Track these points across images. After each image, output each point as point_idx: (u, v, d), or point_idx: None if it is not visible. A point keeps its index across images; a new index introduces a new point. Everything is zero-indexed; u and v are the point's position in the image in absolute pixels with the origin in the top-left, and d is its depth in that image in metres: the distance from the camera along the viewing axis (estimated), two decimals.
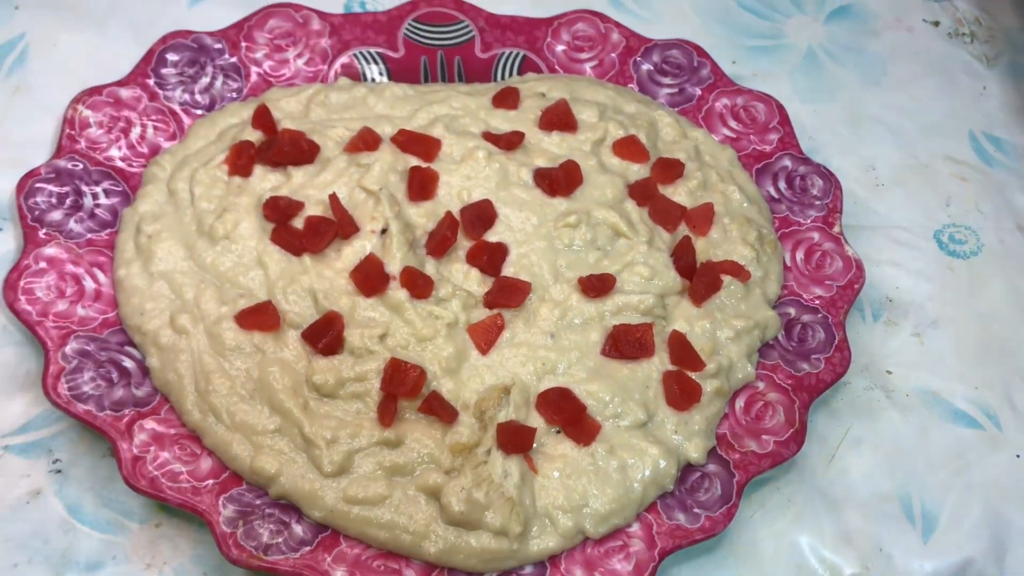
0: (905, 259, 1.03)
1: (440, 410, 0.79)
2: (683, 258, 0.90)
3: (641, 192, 0.94)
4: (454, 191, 0.91)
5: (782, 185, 1.00)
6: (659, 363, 0.85)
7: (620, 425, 0.82)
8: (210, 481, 0.78)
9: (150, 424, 0.80)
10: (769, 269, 0.93)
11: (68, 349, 0.81)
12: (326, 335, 0.81)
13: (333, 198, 0.87)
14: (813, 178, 1.00)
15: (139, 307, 0.84)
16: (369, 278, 0.84)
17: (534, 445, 0.80)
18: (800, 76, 1.15)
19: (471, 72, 1.04)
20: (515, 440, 0.78)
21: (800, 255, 0.96)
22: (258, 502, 0.78)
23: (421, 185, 0.90)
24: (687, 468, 0.83)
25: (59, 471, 0.81)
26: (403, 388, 0.80)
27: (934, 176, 1.09)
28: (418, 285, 0.84)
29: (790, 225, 0.98)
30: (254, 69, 1.00)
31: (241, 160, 0.90)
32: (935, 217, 1.06)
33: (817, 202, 0.99)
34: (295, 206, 0.88)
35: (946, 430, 0.93)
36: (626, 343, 0.85)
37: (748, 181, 1.00)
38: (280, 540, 0.76)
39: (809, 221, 0.98)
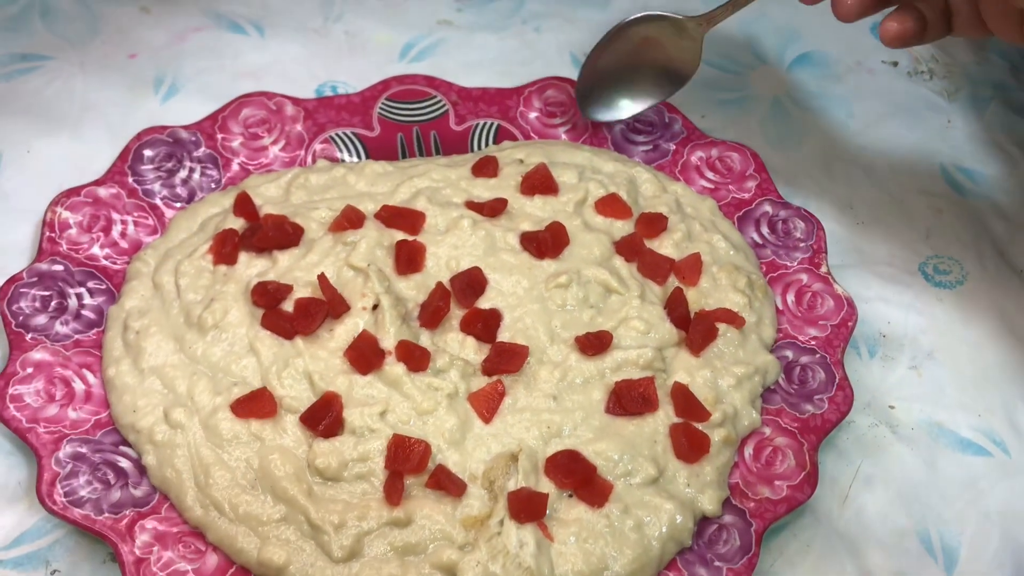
0: (893, 294, 1.03)
1: (448, 484, 0.78)
2: (676, 309, 0.90)
3: (628, 248, 0.94)
4: (442, 261, 0.91)
5: (765, 230, 1.01)
6: (664, 416, 0.84)
7: (632, 483, 0.81)
8: None
9: (151, 524, 0.77)
10: (762, 314, 0.93)
11: (61, 454, 0.79)
12: (325, 417, 0.80)
13: (322, 278, 0.86)
14: (795, 221, 1.01)
15: (131, 405, 0.82)
16: (364, 355, 0.83)
17: (547, 511, 0.78)
18: (770, 124, 1.17)
19: (448, 145, 1.05)
20: (527, 508, 0.77)
21: (791, 297, 0.96)
22: None
23: (409, 258, 0.89)
24: (703, 521, 0.82)
25: None
26: (408, 464, 0.78)
27: (911, 210, 1.11)
28: (414, 358, 0.83)
29: (777, 269, 0.98)
30: (231, 158, 1.00)
31: (225, 248, 0.89)
32: (917, 250, 1.07)
33: (801, 244, 1.00)
34: (283, 289, 0.87)
35: (955, 460, 0.93)
36: (629, 399, 0.84)
37: (731, 229, 1.00)
38: None
39: (796, 263, 0.99)
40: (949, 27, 0.93)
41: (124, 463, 0.81)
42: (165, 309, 0.87)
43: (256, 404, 0.81)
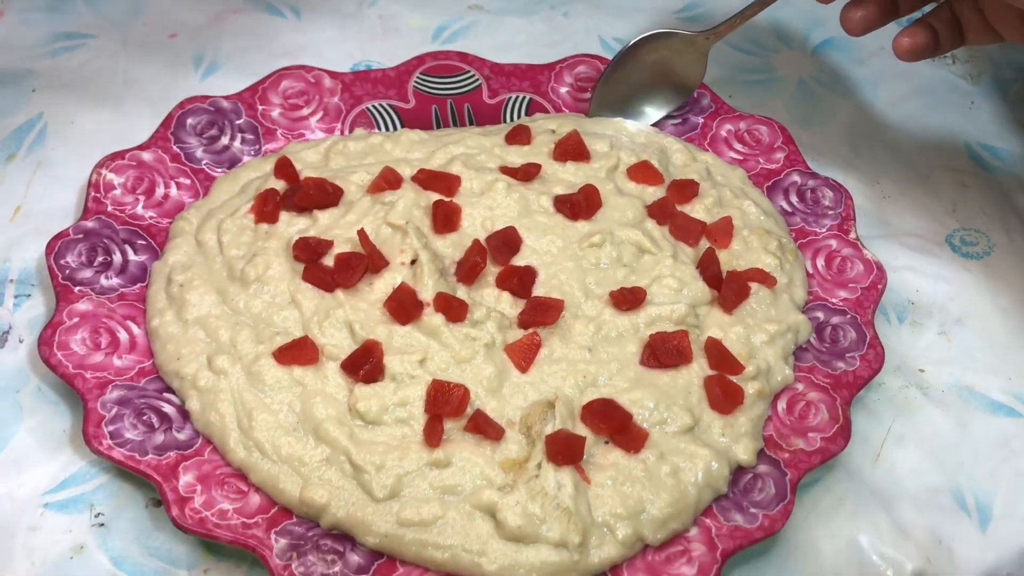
0: (921, 264, 1.04)
1: (486, 427, 0.79)
2: (709, 268, 0.91)
3: (660, 211, 0.96)
4: (477, 222, 0.92)
5: (794, 199, 1.02)
6: (699, 369, 0.85)
7: (667, 431, 0.82)
8: (260, 517, 0.77)
9: (194, 465, 0.79)
10: (793, 276, 0.95)
11: (107, 398, 0.81)
12: (366, 363, 0.81)
13: (362, 233, 0.88)
14: (823, 190, 1.03)
15: (175, 353, 0.83)
16: (403, 306, 0.84)
17: (584, 456, 0.79)
18: (795, 104, 1.19)
19: (481, 117, 1.07)
20: (565, 451, 0.78)
21: (821, 262, 0.98)
22: (310, 533, 0.76)
23: (445, 218, 0.91)
24: (738, 471, 0.82)
25: (102, 524, 0.80)
26: (448, 407, 0.79)
27: (937, 185, 1.12)
28: (452, 309, 0.85)
29: (807, 235, 1.00)
30: (271, 128, 1.02)
31: (267, 207, 0.91)
32: (944, 223, 1.08)
33: (830, 212, 1.01)
34: (324, 245, 0.89)
35: (986, 421, 0.93)
36: (664, 351, 0.85)
37: (761, 196, 1.02)
38: (336, 569, 0.74)
39: (825, 230, 1.00)
40: (961, 37, 0.95)
41: (168, 408, 0.82)
42: (208, 264, 0.89)
43: (298, 351, 0.82)
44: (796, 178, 1.04)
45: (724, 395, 0.83)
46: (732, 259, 0.94)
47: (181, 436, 0.80)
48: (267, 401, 0.80)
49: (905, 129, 1.17)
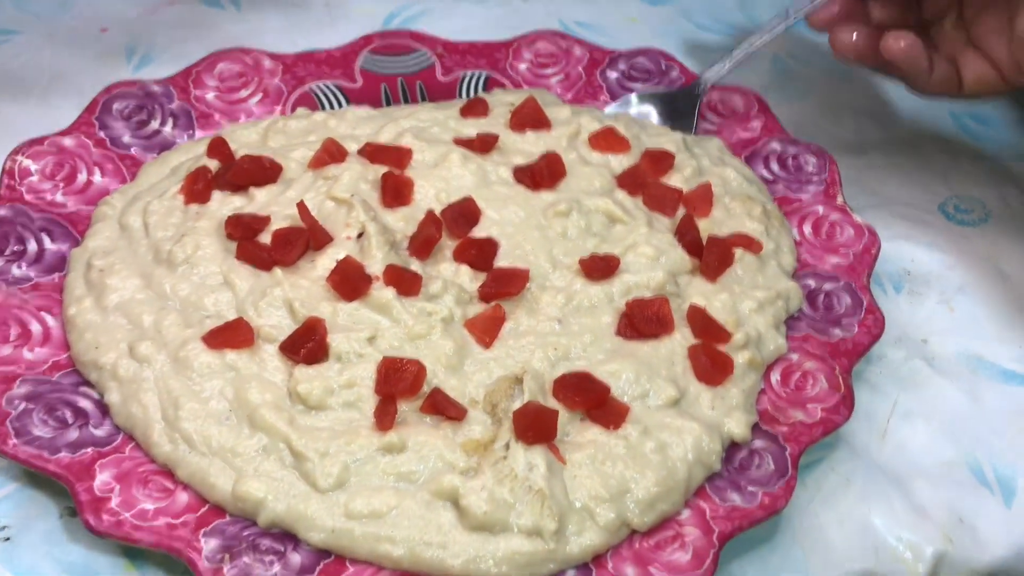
0: (915, 233, 0.97)
1: (446, 407, 0.70)
2: (687, 235, 0.83)
3: (631, 180, 0.88)
4: (431, 195, 0.84)
5: (775, 167, 0.95)
6: (682, 339, 0.77)
7: (650, 405, 0.73)
8: (187, 516, 0.67)
9: (113, 463, 0.69)
10: (780, 242, 0.87)
11: (13, 393, 0.71)
12: (308, 343, 0.72)
13: (302, 206, 0.79)
14: (805, 156, 0.95)
15: (93, 342, 0.74)
16: (348, 279, 0.75)
17: (557, 435, 0.70)
18: (770, 81, 1.12)
19: (434, 95, 0.99)
20: (536, 427, 0.68)
21: (808, 228, 0.90)
22: (246, 533, 0.66)
23: (395, 190, 0.83)
24: (731, 448, 0.73)
25: (7, 539, 0.69)
26: (401, 386, 0.70)
27: (926, 154, 1.05)
28: (405, 282, 0.76)
29: (791, 203, 0.92)
30: (206, 112, 0.94)
31: (198, 186, 0.83)
32: (936, 191, 1.01)
33: (814, 178, 0.94)
34: (260, 221, 0.80)
35: (1000, 391, 0.85)
36: (642, 319, 0.76)
37: (741, 165, 0.94)
38: (275, 571, 0.64)
39: (810, 196, 0.93)
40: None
41: (84, 403, 0.72)
42: (132, 248, 0.80)
43: (231, 334, 0.73)
44: (775, 145, 0.96)
45: (712, 364, 0.75)
46: (713, 227, 0.86)
47: (99, 432, 0.71)
48: (196, 389, 0.71)
49: (888, 100, 1.11)
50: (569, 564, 0.66)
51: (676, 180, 0.90)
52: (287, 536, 0.66)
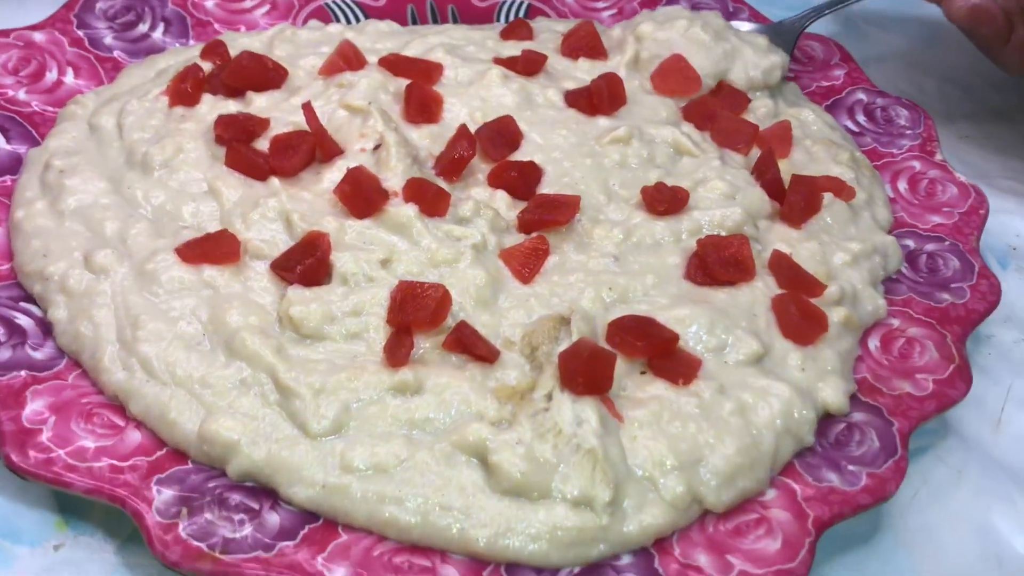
0: (1017, 206, 0.83)
1: (475, 344, 0.55)
2: (766, 173, 0.70)
3: (699, 113, 0.74)
4: (464, 113, 0.71)
5: (861, 118, 0.82)
6: (764, 288, 0.63)
7: (727, 360, 0.58)
8: (138, 460, 0.52)
9: (50, 390, 0.54)
10: (873, 193, 0.73)
11: None
12: (306, 259, 0.58)
13: (307, 108, 0.65)
14: (896, 109, 0.82)
15: (41, 249, 0.60)
16: (360, 191, 0.61)
17: (612, 386, 0.55)
18: (847, 44, 0.99)
19: (468, 19, 0.86)
20: (588, 372, 0.54)
21: (903, 185, 0.76)
22: (211, 485, 0.52)
23: (421, 104, 0.69)
24: (826, 420, 0.59)
25: None
26: (420, 314, 0.56)
27: (1019, 124, 0.92)
28: (429, 199, 0.62)
29: (881, 157, 0.79)
30: (204, 20, 0.81)
31: (185, 85, 0.69)
32: None
33: (908, 132, 0.80)
34: (258, 124, 0.67)
35: None
36: (718, 261, 0.62)
37: (821, 111, 0.81)
38: (245, 533, 0.49)
39: (904, 151, 0.79)
40: None
41: (23, 320, 0.58)
42: (101, 151, 0.67)
43: (212, 246, 0.59)
44: (861, 96, 0.83)
45: (802, 319, 0.61)
46: (793, 171, 0.72)
47: (37, 355, 0.57)
48: (162, 307, 0.57)
49: (976, 70, 0.97)
50: (625, 547, 0.51)
51: (748, 120, 0.76)
52: (264, 491, 0.52)
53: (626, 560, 0.51)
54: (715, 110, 0.74)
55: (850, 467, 0.56)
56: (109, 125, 0.68)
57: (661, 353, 0.57)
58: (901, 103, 0.83)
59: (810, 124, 0.77)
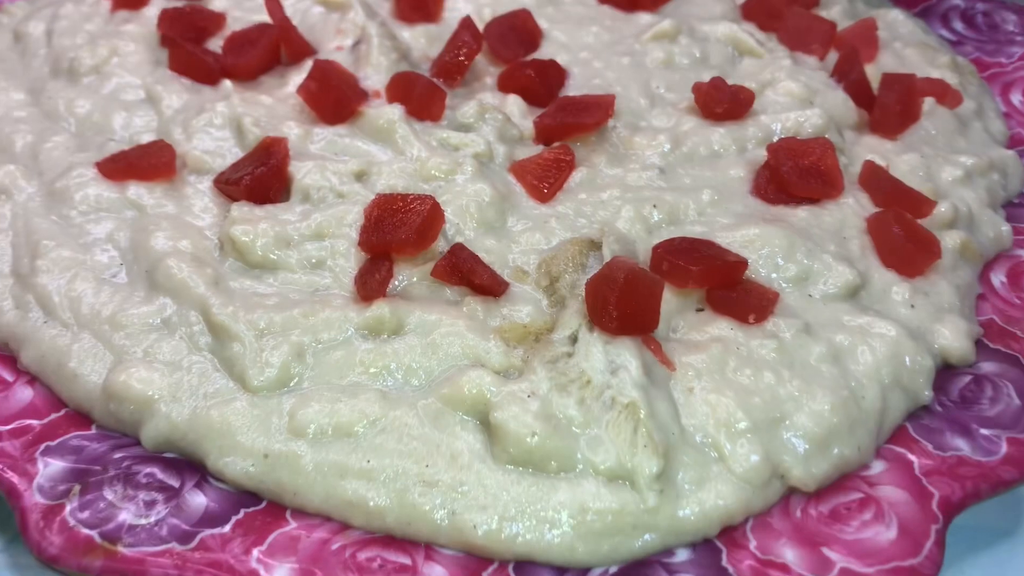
0: None
1: (473, 272, 0.41)
2: (850, 74, 0.55)
3: (763, 9, 0.61)
4: (470, 10, 0.58)
5: (958, 25, 0.68)
6: (856, 205, 0.48)
7: (812, 293, 0.44)
8: (24, 422, 0.39)
9: None
10: (983, 102, 0.59)
11: None
12: (258, 168, 0.45)
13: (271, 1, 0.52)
14: (1002, 14, 0.68)
15: None
16: (331, 90, 0.48)
17: (658, 325, 0.41)
18: None
19: None
20: (626, 303, 0.40)
21: (1016, 98, 0.62)
22: (118, 455, 0.38)
23: (418, 0, 0.56)
24: (944, 373, 0.44)
25: None
26: (403, 233, 0.42)
27: None
28: (417, 98, 0.49)
29: (988, 67, 0.64)
30: None
31: None
32: None
33: (1018, 39, 0.66)
34: (210, 20, 0.54)
35: None
36: (795, 172, 0.48)
37: (909, 15, 0.66)
38: (156, 519, 0.36)
39: (1015, 59, 0.64)
40: None
41: None
42: (24, 61, 0.56)
43: (141, 158, 0.47)
44: (957, 0, 0.68)
45: (908, 242, 0.46)
46: (880, 76, 0.57)
47: None
48: (71, 231, 0.44)
49: None
50: (680, 537, 0.37)
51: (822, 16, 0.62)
52: (187, 464, 0.39)
53: (682, 556, 0.37)
54: (782, 6, 0.60)
55: (983, 431, 0.42)
56: (37, 32, 0.56)
57: (724, 282, 0.43)
58: (1006, 6, 0.68)
59: (898, 25, 0.63)
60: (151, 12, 0.57)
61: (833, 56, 0.60)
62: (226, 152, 0.47)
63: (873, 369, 0.42)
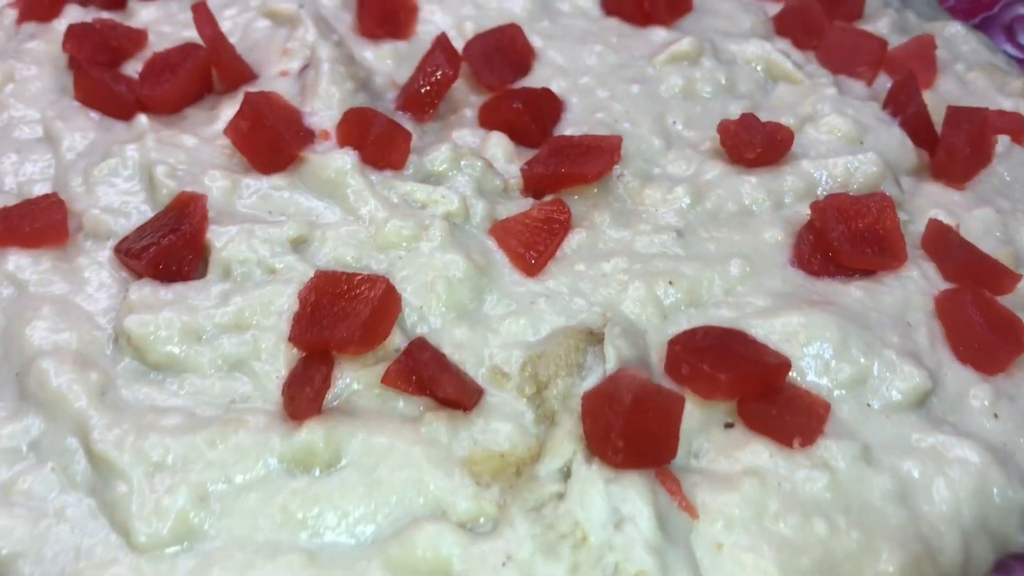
0: None
1: (437, 381, 0.32)
2: (908, 106, 0.45)
3: (799, 23, 0.52)
4: (448, 24, 0.48)
5: None
6: (921, 279, 0.38)
7: (870, 403, 0.34)
8: None
9: None
10: None
11: None
12: (164, 237, 0.35)
13: (199, 9, 0.43)
14: None
15: None
16: (266, 131, 0.39)
17: (676, 453, 0.31)
18: None
19: None
20: (634, 429, 0.31)
21: None
22: None
23: (384, 11, 0.47)
24: None
25: None
26: (346, 327, 0.33)
27: None
28: (374, 141, 0.39)
29: None
30: None
31: None
32: None
33: None
34: (127, 38, 0.44)
35: None
36: (847, 238, 0.38)
37: (970, 30, 0.56)
38: None
39: None
40: None
41: None
42: None
43: (24, 219, 0.37)
44: (1022, 10, 0.58)
45: (990, 327, 0.37)
46: (941, 106, 0.48)
47: None
48: None
49: None
50: None
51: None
52: None
53: None
54: (821, 19, 0.51)
55: None
56: None
57: (761, 391, 0.33)
58: None
59: (959, 42, 0.53)
60: (62, 27, 0.47)
61: (882, 81, 0.51)
62: (132, 210, 0.38)
63: (952, 510, 0.33)
